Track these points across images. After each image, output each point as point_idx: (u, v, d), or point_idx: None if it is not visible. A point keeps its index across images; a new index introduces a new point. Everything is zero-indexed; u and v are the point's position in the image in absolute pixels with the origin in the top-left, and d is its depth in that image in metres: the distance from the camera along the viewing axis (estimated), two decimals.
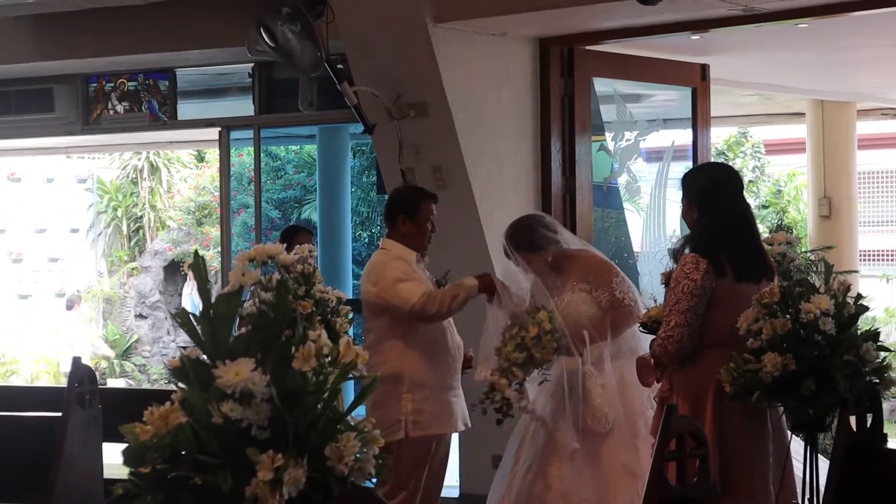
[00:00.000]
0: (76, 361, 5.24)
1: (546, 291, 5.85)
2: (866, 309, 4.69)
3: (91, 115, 10.41)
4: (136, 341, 19.65)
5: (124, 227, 20.34)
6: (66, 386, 5.26)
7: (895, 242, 17.03)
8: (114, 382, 18.60)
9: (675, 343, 4.83)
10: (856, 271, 12.48)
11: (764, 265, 4.92)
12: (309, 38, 6.98)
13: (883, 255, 17.93)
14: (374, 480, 2.66)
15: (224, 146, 10.13)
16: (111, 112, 10.31)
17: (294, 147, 17.36)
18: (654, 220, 9.10)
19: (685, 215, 5.14)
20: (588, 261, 6.01)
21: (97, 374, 18.46)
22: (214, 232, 18.24)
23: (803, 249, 11.56)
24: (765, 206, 16.31)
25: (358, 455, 2.52)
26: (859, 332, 4.62)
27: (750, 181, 16.62)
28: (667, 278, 5.06)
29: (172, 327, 19.37)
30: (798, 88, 11.62)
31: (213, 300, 2.58)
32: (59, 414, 5.17)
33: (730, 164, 15.43)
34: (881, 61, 9.75)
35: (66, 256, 20.19)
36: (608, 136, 8.79)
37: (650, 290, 8.15)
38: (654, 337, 5.07)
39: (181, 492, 2.47)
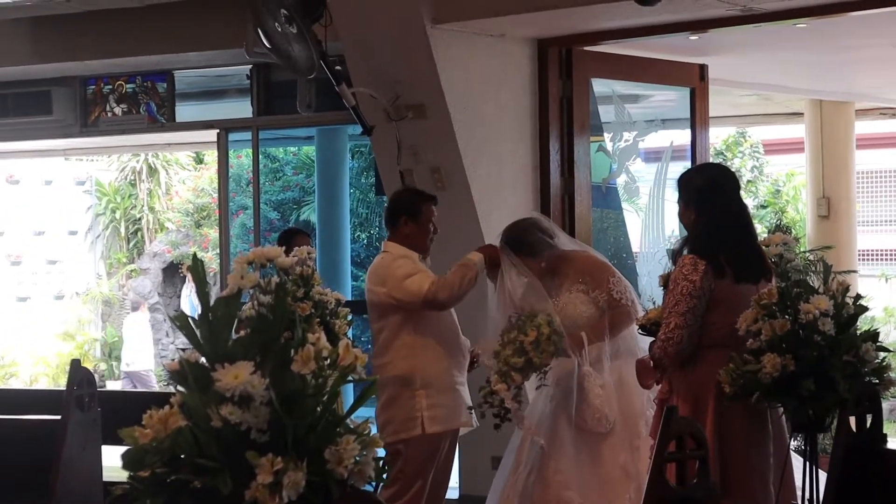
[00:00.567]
0: (75, 364, 5.24)
1: (542, 292, 5.84)
2: (865, 309, 4.68)
3: (89, 117, 10.41)
4: None
5: (123, 230, 20.33)
6: (65, 389, 5.26)
7: (894, 242, 17.02)
8: (113, 385, 18.59)
9: (675, 345, 4.82)
10: (855, 271, 12.48)
11: (762, 266, 4.92)
12: (307, 39, 6.98)
13: (882, 255, 17.93)
14: (374, 484, 2.65)
15: (222, 148, 10.13)
16: (109, 114, 10.31)
17: (293, 149, 17.34)
18: (652, 221, 9.10)
19: (682, 216, 5.14)
20: (584, 261, 6.01)
21: (96, 376, 18.46)
22: (213, 234, 18.22)
23: (802, 249, 11.55)
24: (763, 206, 16.31)
25: (357, 458, 2.52)
26: (858, 332, 4.62)
27: (748, 181, 16.62)
28: (665, 280, 5.05)
29: (171, 329, 19.36)
30: (796, 88, 11.62)
31: (211, 303, 2.58)
32: (59, 417, 5.17)
33: (728, 164, 15.46)
34: (880, 61, 9.75)
35: (65, 258, 20.18)
36: (607, 136, 8.79)
37: (649, 292, 8.15)
38: (652, 339, 5.07)
39: (181, 495, 2.46)
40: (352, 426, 2.57)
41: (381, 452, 2.64)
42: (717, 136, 16.70)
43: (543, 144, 8.06)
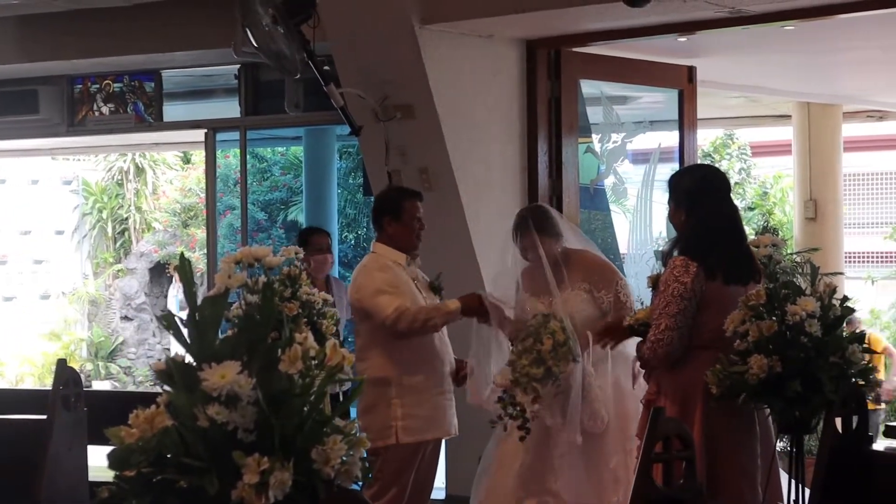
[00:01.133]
0: (61, 364, 5.22)
1: (531, 300, 5.80)
2: (852, 311, 4.69)
3: (76, 116, 10.39)
4: (122, 343, 19.61)
5: (109, 229, 20.31)
6: (50, 389, 5.24)
7: (880, 244, 17.07)
8: (99, 385, 18.56)
9: (665, 346, 4.82)
10: (841, 273, 12.51)
11: (752, 267, 4.92)
12: (295, 39, 6.97)
13: (868, 257, 17.98)
14: (360, 483, 2.65)
15: (210, 148, 10.12)
16: (96, 113, 10.29)
17: (280, 149, 17.34)
18: (640, 222, 9.11)
19: (672, 217, 5.14)
20: (592, 260, 5.98)
21: (82, 376, 18.40)
22: (200, 234, 18.21)
23: (789, 251, 11.58)
24: (751, 208, 16.35)
25: (344, 458, 2.52)
26: (845, 334, 4.63)
27: (736, 183, 16.65)
28: (654, 281, 5.05)
29: (158, 329, 19.34)
30: (784, 91, 11.65)
31: (199, 302, 2.57)
32: (45, 417, 5.15)
33: (716, 165, 15.46)
34: (867, 64, 9.77)
35: (51, 258, 20.14)
36: (595, 137, 8.80)
37: (637, 293, 8.15)
38: (640, 339, 5.07)
39: (167, 495, 2.46)
40: (339, 426, 2.57)
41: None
42: (705, 137, 16.73)
43: (531, 145, 8.06)
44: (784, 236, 14.34)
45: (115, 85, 10.18)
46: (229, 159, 16.44)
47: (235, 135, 9.94)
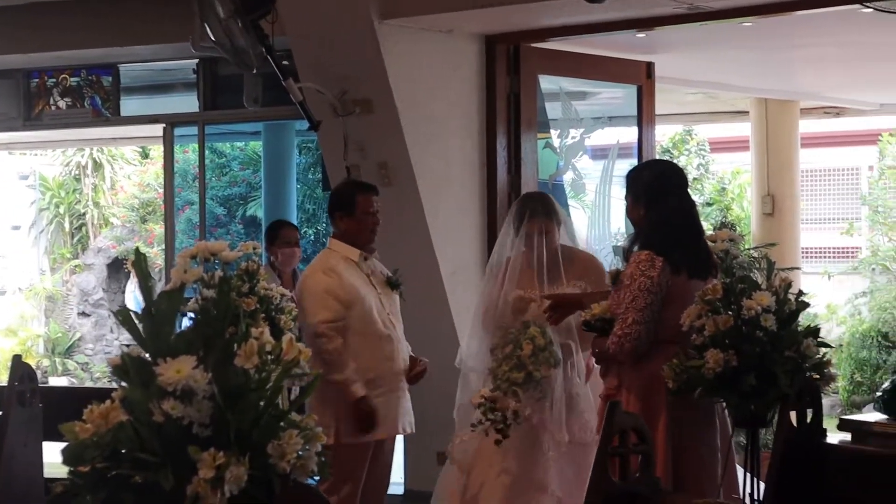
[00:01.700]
0: (16, 360, 5.18)
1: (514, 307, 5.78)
2: (807, 305, 4.72)
3: (33, 110, 10.31)
4: (79, 339, 19.48)
5: (67, 225, 20.15)
6: (6, 385, 5.21)
7: (837, 240, 17.20)
8: (56, 381, 18.42)
9: (633, 340, 4.83)
10: (798, 268, 12.60)
11: (711, 262, 4.95)
12: (253, 34, 6.95)
13: (825, 253, 18.10)
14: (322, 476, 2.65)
15: (168, 143, 10.07)
16: (53, 108, 10.22)
17: (239, 144, 17.27)
18: (599, 218, 9.14)
19: (630, 212, 5.15)
20: (588, 261, 5.96)
21: (39, 372, 18.25)
22: (159, 229, 18.10)
23: (747, 246, 11.65)
24: (709, 204, 16.42)
25: (300, 452, 2.51)
26: (800, 328, 4.66)
27: (694, 179, 16.71)
28: (614, 276, 5.06)
29: (116, 325, 19.21)
30: (742, 87, 11.72)
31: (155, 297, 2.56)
32: None
33: (675, 161, 15.52)
34: (823, 60, 9.84)
35: (8, 254, 19.98)
36: (554, 133, 8.81)
37: None
38: (595, 335, 5.08)
39: (122, 490, 2.45)
40: (295, 421, 2.56)
41: None
42: (664, 133, 16.78)
43: (490, 141, 8.07)
44: (742, 231, 14.42)
45: (72, 79, 10.11)
46: (188, 154, 16.36)
47: (194, 129, 9.90)
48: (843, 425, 5.34)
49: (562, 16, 7.62)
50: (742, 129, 14.23)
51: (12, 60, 10.00)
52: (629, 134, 9.14)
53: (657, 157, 10.41)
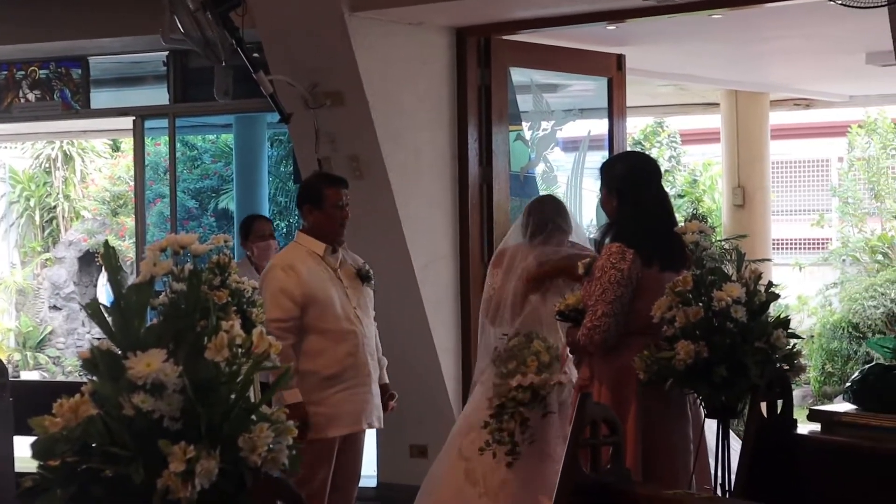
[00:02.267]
0: None
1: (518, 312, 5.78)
2: (777, 297, 4.75)
3: (2, 103, 10.25)
4: (50, 333, 19.39)
5: (37, 218, 20.05)
6: None
7: (807, 231, 17.29)
8: (27, 375, 18.34)
9: (602, 332, 4.85)
10: (769, 260, 12.66)
11: (684, 254, 4.96)
12: (223, 26, 6.92)
13: (796, 244, 18.20)
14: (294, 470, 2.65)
15: (138, 135, 10.03)
16: (22, 100, 10.16)
17: (211, 136, 17.22)
18: (571, 210, 9.15)
19: (604, 204, 5.17)
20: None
21: (10, 366, 18.15)
22: (130, 222, 18.03)
23: (718, 238, 11.69)
24: (680, 196, 16.46)
25: (271, 446, 2.51)
26: (770, 319, 4.69)
27: (666, 171, 16.74)
28: (587, 268, 5.07)
29: (87, 319, 19.13)
30: (712, 79, 11.75)
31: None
32: None
33: (647, 153, 15.56)
34: (793, 52, 9.88)
35: None
36: (525, 125, 8.82)
37: None
38: (570, 324, 5.10)
39: (92, 484, 2.44)
40: (266, 414, 2.56)
41: None
42: (635, 125, 16.82)
43: (462, 133, 8.07)
44: (713, 223, 14.47)
45: (42, 72, 10.05)
46: (159, 147, 16.30)
47: (164, 122, 9.86)
48: (814, 416, 5.37)
49: (532, 8, 7.62)
50: (713, 121, 14.28)
51: None
52: (600, 126, 9.16)
53: (628, 149, 10.43)
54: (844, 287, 14.22)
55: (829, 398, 12.77)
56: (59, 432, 2.44)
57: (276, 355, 2.60)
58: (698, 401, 4.82)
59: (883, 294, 13.26)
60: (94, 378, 2.52)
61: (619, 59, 8.97)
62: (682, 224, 5.10)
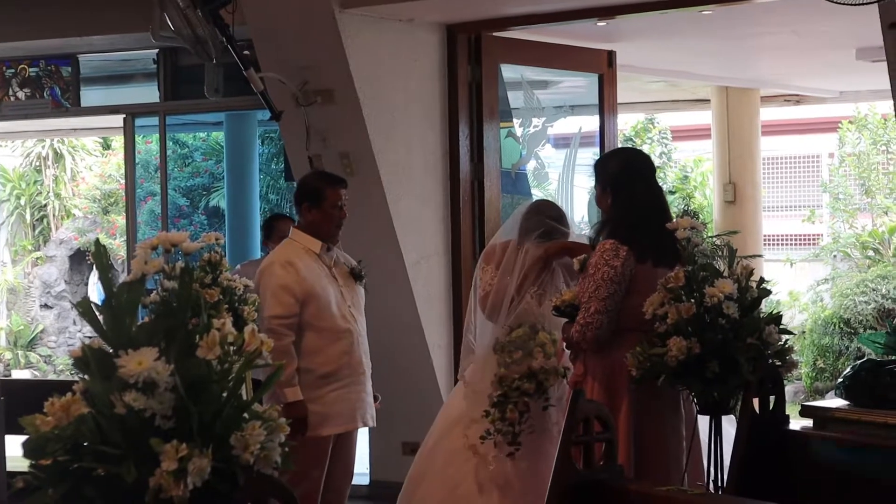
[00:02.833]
0: None
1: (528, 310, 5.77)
2: (768, 293, 4.75)
3: None
4: (42, 332, 19.37)
5: (28, 216, 20.03)
6: None
7: (798, 227, 17.32)
8: (18, 374, 18.32)
9: (594, 329, 4.85)
10: (760, 256, 12.67)
11: (677, 249, 4.96)
12: (213, 24, 6.91)
13: (786, 240, 18.23)
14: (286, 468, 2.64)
15: (129, 133, 10.01)
16: (12, 98, 10.14)
17: (202, 134, 17.21)
18: (562, 207, 9.14)
19: (599, 201, 5.16)
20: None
21: (1, 365, 18.14)
22: (121, 220, 18.00)
23: (709, 234, 11.70)
24: (671, 192, 16.48)
25: (264, 444, 2.51)
26: (762, 315, 4.69)
27: (657, 167, 16.77)
28: (581, 264, 5.07)
29: (79, 317, 19.12)
30: (703, 75, 11.76)
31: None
32: None
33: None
34: (782, 48, 9.89)
35: None
36: (516, 122, 8.82)
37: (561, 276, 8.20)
38: (566, 320, 5.09)
39: (84, 483, 2.43)
40: (258, 412, 2.56)
41: None
42: (626, 122, 16.84)
43: (453, 130, 8.06)
44: (704, 219, 14.49)
45: (31, 69, 10.03)
46: (150, 145, 16.28)
47: (155, 120, 9.84)
48: (806, 412, 5.39)
49: (523, 4, 7.62)
50: (704, 117, 14.29)
51: None
52: (591, 122, 9.15)
53: (620, 145, 10.43)
54: (835, 283, 14.24)
55: (821, 394, 12.80)
56: (51, 431, 2.43)
57: (268, 353, 2.60)
58: (691, 397, 4.82)
59: (874, 290, 13.29)
60: (86, 377, 2.51)
61: (610, 56, 8.97)
62: (672, 220, 5.10)
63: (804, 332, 13.66)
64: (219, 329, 2.53)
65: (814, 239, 17.50)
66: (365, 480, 8.21)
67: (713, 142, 13.28)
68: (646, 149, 16.63)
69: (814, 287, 14.75)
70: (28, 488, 2.47)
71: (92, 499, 2.43)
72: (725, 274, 4.66)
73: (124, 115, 9.91)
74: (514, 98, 8.79)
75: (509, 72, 8.57)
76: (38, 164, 19.81)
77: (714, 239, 11.20)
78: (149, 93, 9.69)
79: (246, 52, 7.37)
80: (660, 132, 17.45)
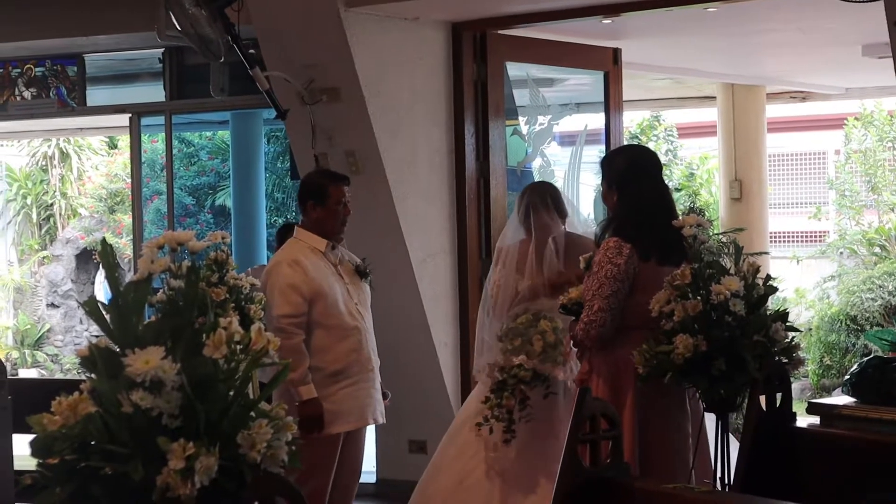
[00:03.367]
0: None
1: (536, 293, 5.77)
2: (775, 290, 4.74)
3: None
4: (49, 331, 19.39)
5: (34, 216, 20.04)
6: None
7: (805, 224, 17.30)
8: (25, 373, 18.34)
9: (598, 327, 4.86)
10: (766, 253, 12.66)
11: (684, 247, 4.95)
12: (219, 23, 6.91)
13: (793, 237, 18.21)
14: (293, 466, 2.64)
15: (135, 132, 10.02)
16: (18, 98, 10.15)
17: (208, 133, 17.22)
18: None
19: (605, 199, 5.16)
20: (585, 247, 5.93)
21: (8, 364, 18.11)
22: (127, 219, 18.00)
23: (715, 231, 11.68)
24: (677, 189, 16.46)
25: (271, 442, 2.51)
26: (769, 312, 4.68)
27: (663, 164, 16.75)
28: (587, 262, 5.07)
29: (85, 316, 19.12)
30: (709, 72, 11.75)
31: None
32: None
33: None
34: (788, 45, 9.88)
35: None
36: (521, 120, 8.81)
37: None
38: (573, 318, 5.10)
39: (91, 482, 2.44)
40: (265, 410, 2.56)
41: None
42: (632, 119, 16.83)
43: (458, 128, 8.07)
44: (710, 217, 14.47)
45: (37, 69, 10.04)
46: (156, 144, 16.29)
47: (160, 119, 9.85)
48: (812, 409, 5.38)
49: (528, 2, 7.62)
50: (709, 114, 14.27)
51: None
52: (597, 120, 9.14)
53: (625, 143, 10.41)
54: (842, 280, 14.22)
55: (828, 391, 12.77)
56: (58, 430, 2.44)
57: (274, 351, 2.60)
58: (697, 395, 4.81)
59: (881, 286, 13.26)
60: (93, 376, 2.51)
61: (616, 53, 8.96)
62: (679, 218, 5.09)
63: (811, 329, 13.63)
64: (225, 328, 2.53)
65: (820, 236, 17.48)
66: (372, 479, 8.21)
67: (719, 139, 13.26)
68: (651, 146, 16.62)
69: (820, 284, 14.73)
70: (35, 487, 2.47)
71: (99, 498, 2.43)
72: (732, 271, 4.66)
73: (130, 115, 9.92)
74: (520, 96, 8.79)
75: (515, 70, 8.56)
76: (44, 163, 19.83)
77: (720, 236, 11.19)
78: (154, 92, 9.70)
79: (251, 50, 7.37)
80: (665, 129, 17.42)
